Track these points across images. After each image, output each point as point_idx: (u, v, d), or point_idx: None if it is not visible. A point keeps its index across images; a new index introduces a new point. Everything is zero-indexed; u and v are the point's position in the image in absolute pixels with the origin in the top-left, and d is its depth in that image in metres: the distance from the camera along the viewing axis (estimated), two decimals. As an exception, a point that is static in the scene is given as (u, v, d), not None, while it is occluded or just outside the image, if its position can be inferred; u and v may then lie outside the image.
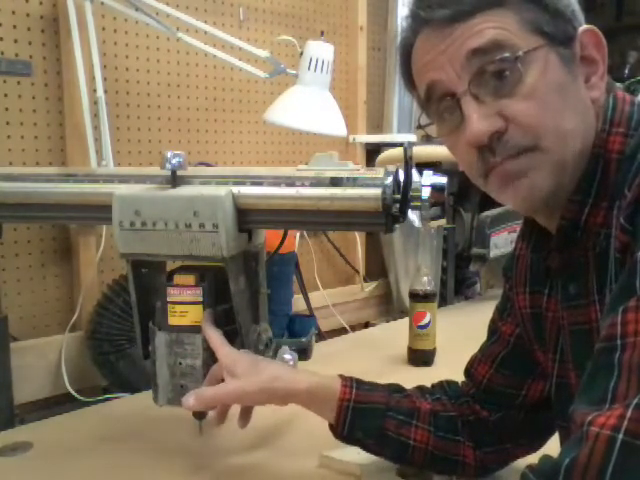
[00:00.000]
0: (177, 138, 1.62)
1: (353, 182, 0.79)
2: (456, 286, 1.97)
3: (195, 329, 0.84)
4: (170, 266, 0.90)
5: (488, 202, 1.80)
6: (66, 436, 1.01)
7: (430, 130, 0.68)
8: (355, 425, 0.79)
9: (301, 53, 1.28)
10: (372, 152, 2.02)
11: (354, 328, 1.97)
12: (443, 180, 0.80)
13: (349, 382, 0.81)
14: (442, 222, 1.17)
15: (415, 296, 1.35)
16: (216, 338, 0.82)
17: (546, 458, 0.49)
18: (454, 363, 0.89)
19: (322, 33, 1.48)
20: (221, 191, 0.80)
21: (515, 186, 0.60)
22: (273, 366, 0.82)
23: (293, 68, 1.30)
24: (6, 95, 1.33)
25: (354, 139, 2.03)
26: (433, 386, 0.88)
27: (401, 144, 0.79)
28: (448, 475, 0.83)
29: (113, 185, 0.87)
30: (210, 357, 0.84)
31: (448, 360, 1.28)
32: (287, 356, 0.89)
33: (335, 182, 0.80)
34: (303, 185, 0.81)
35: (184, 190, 0.83)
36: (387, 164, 0.82)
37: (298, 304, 1.74)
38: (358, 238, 2.06)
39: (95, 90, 1.35)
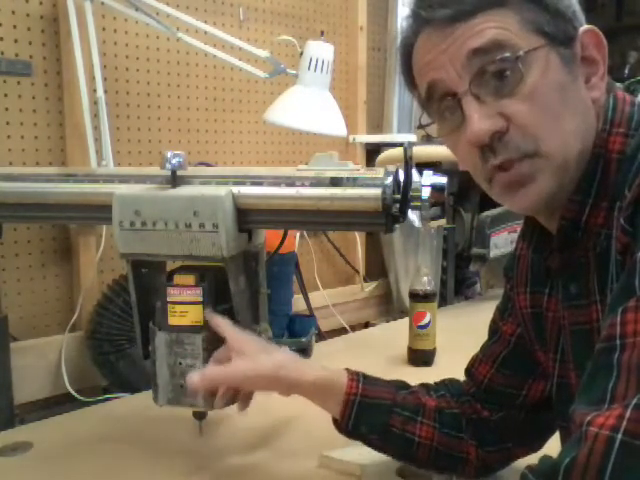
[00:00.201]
0: (177, 138, 1.62)
1: (353, 182, 0.79)
2: (456, 286, 1.97)
3: (195, 329, 0.84)
4: (170, 266, 0.90)
5: (488, 202, 1.79)
6: (66, 436, 1.01)
7: (430, 130, 0.68)
8: (360, 420, 0.79)
9: (301, 53, 1.28)
10: (372, 152, 2.02)
11: (354, 328, 1.98)
12: (443, 180, 0.81)
13: (356, 376, 0.81)
14: (442, 222, 1.17)
15: (415, 296, 1.35)
16: (224, 323, 0.82)
17: (545, 458, 0.49)
18: (454, 363, 0.89)
19: (322, 33, 1.48)
20: (221, 191, 0.80)
21: (519, 194, 0.60)
22: (282, 354, 0.81)
23: (293, 68, 1.30)
24: (6, 95, 1.33)
25: (354, 139, 2.04)
26: (436, 384, 0.88)
27: (401, 144, 0.79)
28: (448, 474, 0.83)
29: (113, 185, 0.87)
30: (210, 357, 0.84)
31: (448, 360, 1.28)
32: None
33: (335, 182, 0.80)
34: (303, 185, 0.81)
35: (184, 190, 0.83)
36: (387, 164, 0.82)
37: (298, 304, 1.74)
38: (358, 238, 2.06)
39: (95, 90, 1.35)
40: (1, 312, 1.21)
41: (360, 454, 0.84)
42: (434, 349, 1.36)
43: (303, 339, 1.40)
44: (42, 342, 1.38)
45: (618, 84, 0.67)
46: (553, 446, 0.76)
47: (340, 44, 2.01)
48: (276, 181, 0.82)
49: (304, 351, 1.34)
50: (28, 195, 0.92)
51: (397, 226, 0.82)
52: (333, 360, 0.90)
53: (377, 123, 2.18)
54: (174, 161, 0.82)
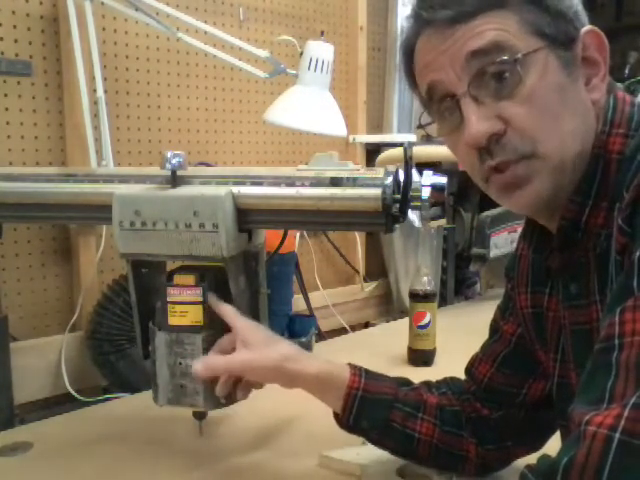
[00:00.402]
0: (177, 138, 1.62)
1: (353, 182, 0.79)
2: (456, 286, 1.97)
3: (195, 329, 0.84)
4: (170, 266, 0.90)
5: (488, 202, 1.79)
6: (66, 436, 1.01)
7: (430, 129, 0.68)
8: (362, 415, 0.79)
9: (301, 53, 1.28)
10: (372, 152, 2.02)
11: (354, 328, 1.98)
12: (443, 180, 0.81)
13: (358, 371, 0.82)
14: (442, 222, 1.17)
15: (415, 296, 1.36)
16: (230, 310, 0.82)
17: (544, 457, 0.50)
18: (454, 363, 0.89)
19: (322, 33, 1.48)
20: (221, 191, 0.80)
21: (516, 195, 0.61)
22: (287, 346, 0.81)
23: (293, 68, 1.30)
24: (6, 95, 1.33)
25: (354, 139, 2.03)
26: (438, 382, 0.88)
27: (401, 144, 0.79)
28: (448, 473, 0.83)
29: (113, 185, 0.87)
30: (210, 357, 0.84)
31: (448, 360, 1.28)
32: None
33: (335, 182, 0.80)
34: (303, 185, 0.81)
35: (184, 190, 0.83)
36: (387, 164, 0.82)
37: (298, 304, 1.74)
38: (358, 238, 2.06)
39: (95, 90, 1.35)
40: (1, 312, 1.21)
41: (360, 454, 0.84)
42: (434, 349, 1.36)
43: (303, 339, 1.40)
44: (42, 342, 1.38)
45: (618, 84, 0.67)
46: (553, 446, 0.76)
47: (340, 44, 2.01)
48: (276, 181, 0.82)
49: (304, 351, 1.34)
50: (28, 195, 0.92)
51: (397, 226, 0.82)
52: (333, 360, 0.90)
53: (377, 123, 2.18)
54: (174, 161, 0.82)
